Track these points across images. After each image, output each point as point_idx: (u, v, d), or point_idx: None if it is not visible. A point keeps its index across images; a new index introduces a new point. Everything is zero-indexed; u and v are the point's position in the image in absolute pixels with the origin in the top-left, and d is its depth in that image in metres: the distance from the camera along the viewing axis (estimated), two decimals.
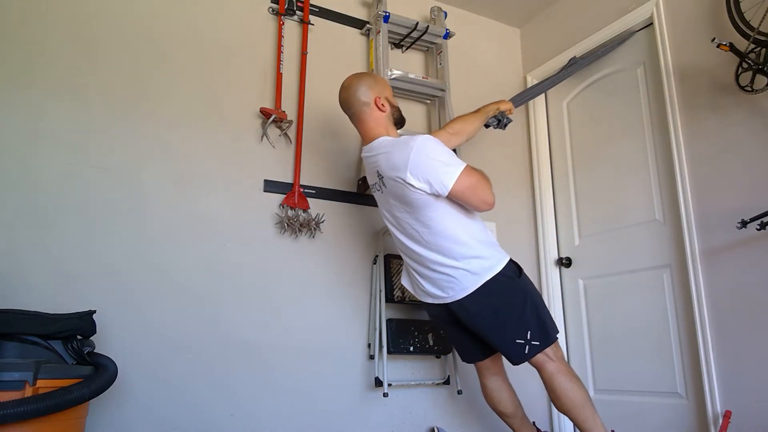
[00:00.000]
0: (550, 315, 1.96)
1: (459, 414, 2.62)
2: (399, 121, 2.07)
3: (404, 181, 1.79)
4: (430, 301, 2.00)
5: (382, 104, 1.99)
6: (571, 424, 2.77)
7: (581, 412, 1.87)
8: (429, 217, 1.86)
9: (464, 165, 1.81)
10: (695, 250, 2.29)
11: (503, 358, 2.07)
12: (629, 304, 2.62)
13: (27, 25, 2.15)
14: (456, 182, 1.77)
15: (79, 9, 2.25)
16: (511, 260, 1.95)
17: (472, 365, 2.18)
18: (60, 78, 2.16)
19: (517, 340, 1.87)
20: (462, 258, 1.86)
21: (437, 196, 1.81)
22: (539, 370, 1.92)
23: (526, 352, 1.88)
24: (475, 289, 1.86)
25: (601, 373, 2.72)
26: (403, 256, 2.06)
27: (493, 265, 1.88)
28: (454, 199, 1.84)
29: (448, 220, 1.87)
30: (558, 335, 1.94)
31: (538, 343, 1.87)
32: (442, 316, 2.05)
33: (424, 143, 1.80)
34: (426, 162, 1.77)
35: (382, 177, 1.90)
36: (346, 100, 2.02)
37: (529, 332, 1.87)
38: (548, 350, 1.89)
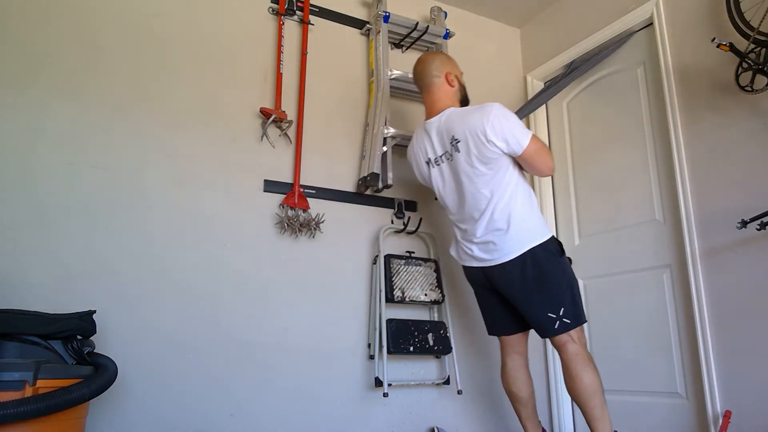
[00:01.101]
0: (581, 300, 2.03)
1: (459, 414, 2.62)
2: (464, 100, 2.21)
3: (485, 137, 1.93)
4: (474, 264, 2.09)
5: (452, 80, 2.16)
6: (572, 423, 2.78)
7: (592, 399, 1.91)
8: (496, 179, 1.99)
9: (532, 132, 1.99)
10: (695, 250, 2.29)
11: (528, 339, 2.17)
12: (629, 304, 2.61)
13: (27, 25, 2.14)
14: (529, 143, 1.95)
15: (79, 9, 2.25)
16: (554, 237, 2.03)
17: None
18: (61, 78, 2.15)
19: (549, 314, 1.95)
20: (513, 224, 1.96)
21: (510, 156, 1.99)
22: (560, 349, 1.97)
23: (556, 327, 1.94)
24: (518, 254, 1.96)
25: (601, 373, 2.67)
26: (456, 224, 2.16)
27: (538, 235, 1.98)
28: (523, 160, 2.00)
29: (510, 184, 2.00)
30: (586, 321, 2.01)
31: (569, 321, 1.94)
32: (481, 281, 2.13)
33: (501, 108, 1.99)
34: (505, 122, 1.95)
35: (458, 141, 2.01)
36: (420, 72, 2.19)
37: (562, 308, 1.94)
38: (573, 332, 1.95)
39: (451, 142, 2.03)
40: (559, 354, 1.99)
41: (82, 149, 2.14)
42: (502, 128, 1.93)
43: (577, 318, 1.96)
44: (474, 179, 2.01)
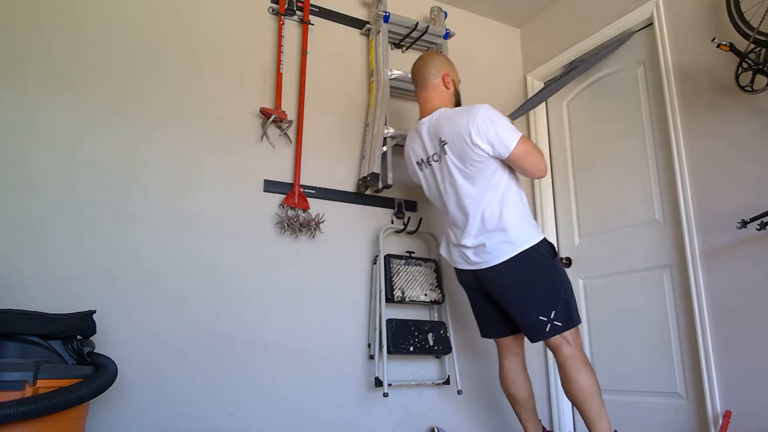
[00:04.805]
0: (575, 301, 2.00)
1: (459, 414, 2.62)
2: (457, 105, 2.18)
3: (470, 141, 1.91)
4: (465, 267, 2.07)
5: (449, 82, 2.15)
6: (571, 422, 2.78)
7: (588, 400, 1.90)
8: (485, 181, 1.96)
9: (521, 133, 1.95)
10: (695, 250, 2.29)
11: (524, 339, 2.12)
12: (629, 305, 2.61)
13: (20, 22, 2.14)
14: (516, 146, 1.91)
15: (74, 8, 2.25)
16: (545, 239, 2.01)
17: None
18: (54, 77, 2.15)
19: (540, 317, 1.93)
20: (503, 226, 1.94)
21: (497, 159, 1.95)
22: (555, 351, 1.95)
23: (547, 330, 1.92)
24: (508, 257, 1.93)
25: (602, 373, 2.70)
26: (449, 227, 2.13)
27: (530, 238, 1.95)
28: (511, 163, 1.97)
29: (500, 186, 1.97)
30: (580, 323, 1.98)
31: (560, 324, 1.92)
32: (472, 284, 2.12)
33: (488, 109, 1.95)
34: (490, 125, 1.91)
35: (445, 143, 1.99)
36: (419, 68, 2.18)
37: (553, 311, 1.92)
38: (567, 334, 1.93)
39: (440, 143, 2.02)
40: (555, 356, 1.97)
41: (79, 149, 2.13)
42: (487, 130, 1.90)
43: (570, 320, 1.93)
44: (463, 181, 1.99)
